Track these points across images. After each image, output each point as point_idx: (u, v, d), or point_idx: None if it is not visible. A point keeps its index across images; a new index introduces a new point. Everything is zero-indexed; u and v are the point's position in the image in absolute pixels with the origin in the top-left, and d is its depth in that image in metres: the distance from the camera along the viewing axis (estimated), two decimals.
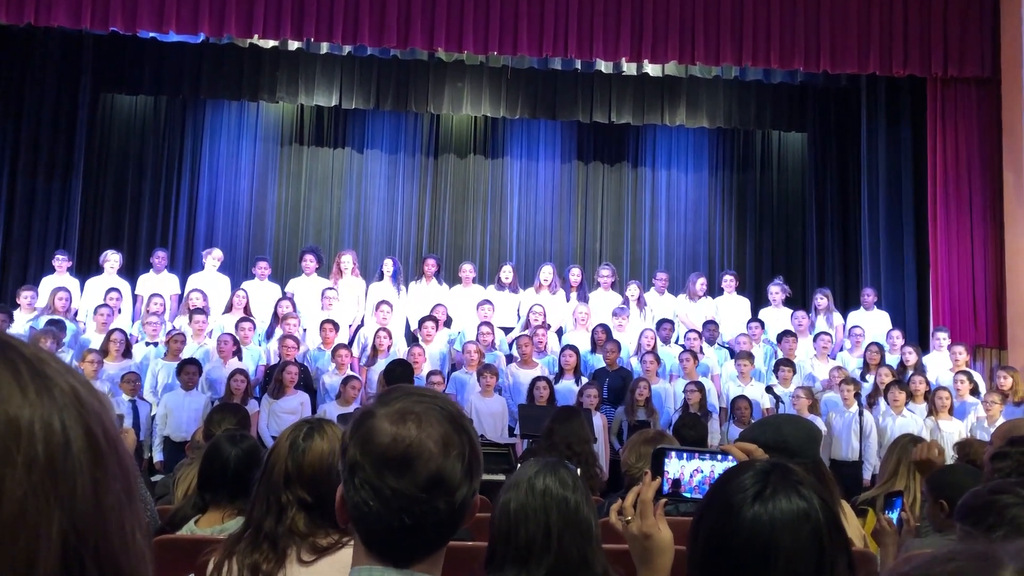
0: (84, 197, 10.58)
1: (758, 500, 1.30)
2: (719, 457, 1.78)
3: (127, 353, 8.16)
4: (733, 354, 8.99)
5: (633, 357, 8.87)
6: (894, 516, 3.14)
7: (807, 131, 11.72)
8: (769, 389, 8.07)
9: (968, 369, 8.80)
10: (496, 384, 8.16)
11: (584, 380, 8.32)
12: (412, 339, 9.14)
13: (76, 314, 8.88)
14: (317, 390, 8.31)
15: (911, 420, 7.91)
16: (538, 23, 9.48)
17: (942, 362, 9.05)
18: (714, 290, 10.31)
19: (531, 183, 12.02)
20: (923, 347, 9.35)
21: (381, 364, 8.06)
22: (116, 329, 8.29)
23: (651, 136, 12.12)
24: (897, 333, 9.34)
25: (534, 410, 7.47)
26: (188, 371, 7.82)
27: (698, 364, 8.71)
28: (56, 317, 8.31)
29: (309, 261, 9.59)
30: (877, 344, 8.98)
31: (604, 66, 10.15)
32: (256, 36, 9.40)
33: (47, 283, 8.94)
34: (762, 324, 9.48)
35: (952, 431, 7.73)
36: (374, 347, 8.58)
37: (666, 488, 1.72)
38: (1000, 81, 9.85)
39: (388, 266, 9.67)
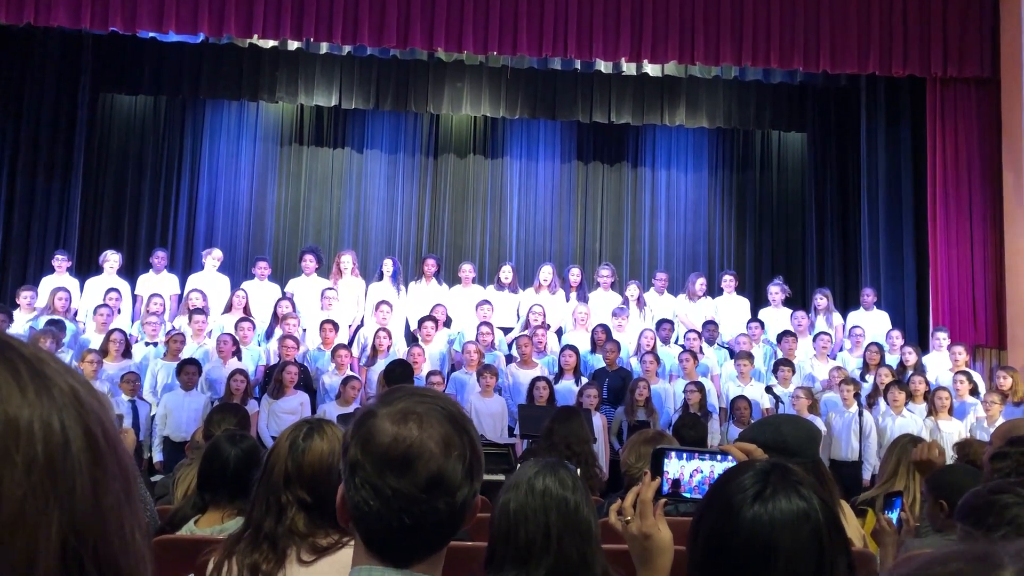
0: (84, 197, 10.58)
1: (758, 500, 1.30)
2: (719, 457, 1.78)
3: (127, 353, 8.16)
4: (733, 354, 9.00)
5: (633, 357, 8.87)
6: (894, 516, 3.14)
7: (807, 131, 11.73)
8: (769, 389, 8.07)
9: (968, 369, 8.80)
10: (496, 384, 8.16)
11: (584, 380, 8.31)
12: (412, 339, 9.14)
13: (76, 314, 8.87)
14: (317, 390, 8.31)
15: (911, 420, 7.91)
16: (538, 23, 9.48)
17: (942, 362, 9.05)
18: (714, 290, 10.31)
19: (531, 183, 12.02)
20: (923, 347, 9.35)
21: (381, 364, 8.06)
22: (116, 329, 8.29)
23: (651, 136, 12.12)
24: (897, 333, 9.34)
25: (534, 410, 7.46)
26: (188, 371, 7.81)
27: (698, 364, 8.71)
28: (56, 317, 8.30)
29: (309, 261, 9.59)
30: (877, 344, 8.98)
31: (604, 66, 10.15)
32: (256, 36, 9.40)
33: (47, 283, 8.94)
34: (762, 324, 9.48)
35: (952, 431, 7.73)
36: (374, 347, 8.58)
37: (666, 488, 1.72)
38: (1000, 81, 9.85)
39: (388, 266, 9.67)
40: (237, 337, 8.43)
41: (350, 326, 9.28)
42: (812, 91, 11.30)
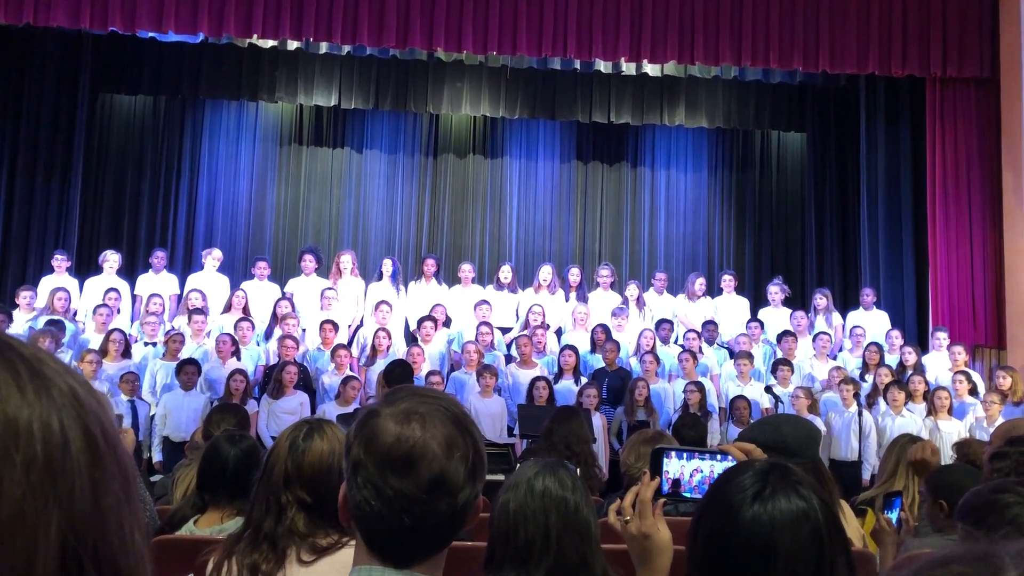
0: (83, 197, 10.57)
1: (757, 500, 1.30)
2: (718, 457, 1.78)
3: (126, 353, 8.16)
4: (732, 354, 9.00)
5: (632, 357, 8.87)
6: (893, 516, 3.14)
7: (806, 131, 11.73)
8: (768, 389, 8.07)
9: (967, 369, 8.81)
10: (495, 384, 8.16)
11: (583, 380, 8.31)
12: (411, 339, 9.14)
13: (75, 314, 8.87)
14: (316, 390, 8.31)
15: (910, 420, 7.92)
16: (537, 23, 9.48)
17: (941, 362, 9.06)
18: (713, 290, 10.31)
19: (530, 183, 12.02)
20: (922, 347, 9.36)
21: (380, 364, 8.06)
22: (115, 329, 8.29)
23: (650, 136, 12.12)
24: (896, 333, 9.34)
25: (533, 410, 7.46)
26: (187, 371, 7.81)
27: (697, 364, 8.71)
28: (55, 317, 8.30)
29: (308, 261, 9.58)
30: (876, 344, 8.98)
31: (603, 66, 10.15)
32: (255, 36, 9.40)
33: (46, 283, 8.94)
34: (761, 324, 9.49)
35: (951, 431, 7.74)
36: (373, 347, 8.58)
37: (666, 488, 1.72)
38: (999, 81, 9.85)
39: (387, 266, 9.66)
40: (236, 337, 8.43)
41: (350, 326, 9.28)
42: (812, 91, 11.31)
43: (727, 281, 10.08)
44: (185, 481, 3.92)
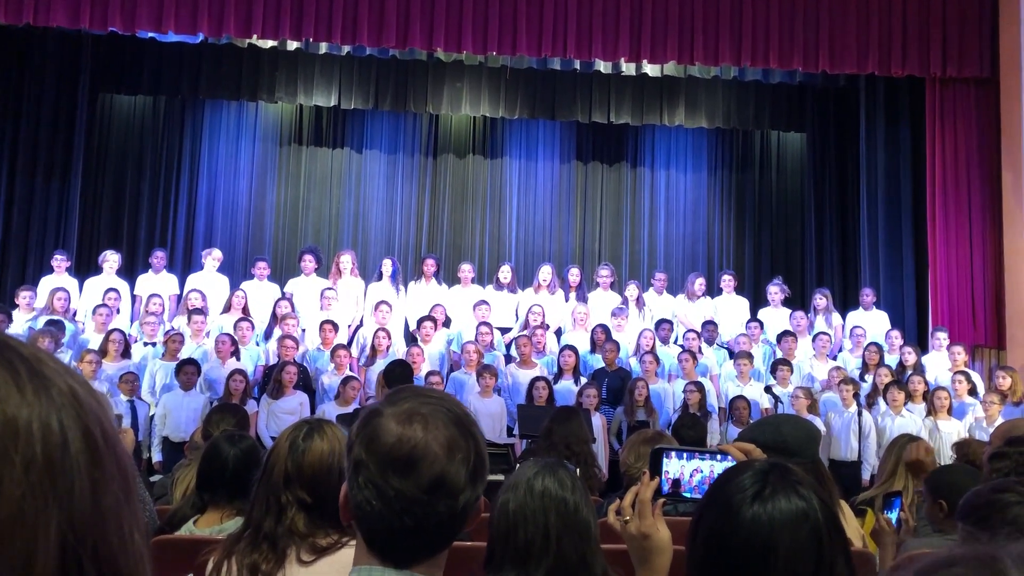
0: (83, 197, 10.57)
1: (757, 500, 1.30)
2: (718, 457, 1.77)
3: (126, 353, 8.16)
4: (732, 354, 9.00)
5: (632, 357, 8.87)
6: (893, 516, 3.14)
7: (806, 131, 11.73)
8: (768, 389, 8.07)
9: (966, 369, 8.81)
10: (495, 384, 8.16)
11: (583, 380, 8.31)
12: (411, 339, 9.14)
13: (75, 314, 8.87)
14: (316, 390, 8.31)
15: (910, 420, 7.92)
16: (537, 23, 9.48)
17: (941, 362, 9.06)
18: (713, 290, 10.31)
19: (530, 183, 12.02)
20: (922, 347, 9.36)
21: (380, 364, 8.05)
22: (115, 329, 8.29)
23: (650, 136, 12.12)
24: (896, 333, 9.34)
25: (533, 410, 7.46)
26: (187, 371, 7.81)
27: (697, 364, 8.71)
28: (55, 317, 8.30)
29: (308, 261, 9.58)
30: (876, 344, 8.98)
31: (603, 66, 10.15)
32: (255, 36, 9.39)
33: (46, 283, 8.93)
34: (761, 324, 9.49)
35: (951, 431, 7.74)
36: (373, 347, 8.57)
37: (666, 488, 1.72)
38: (999, 81, 9.85)
39: (387, 266, 9.66)
40: (236, 337, 8.43)
41: (349, 326, 9.28)
42: (811, 91, 11.31)
43: (727, 281, 10.08)
44: (184, 481, 3.92)
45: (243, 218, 11.57)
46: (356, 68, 10.86)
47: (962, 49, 9.79)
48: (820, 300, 9.76)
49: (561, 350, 8.70)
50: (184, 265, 10.77)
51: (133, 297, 9.30)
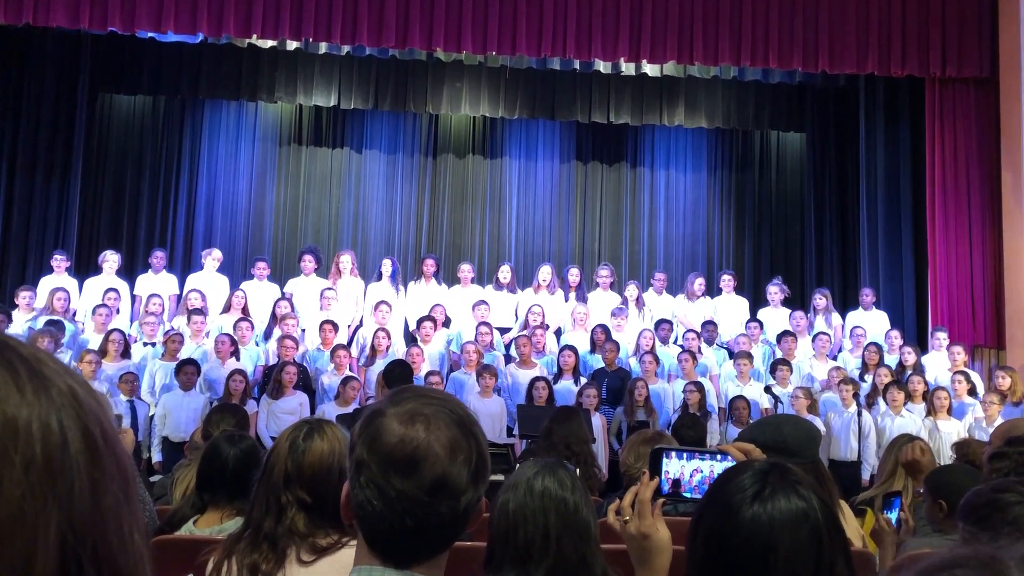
0: (83, 197, 10.57)
1: (757, 500, 1.30)
2: (718, 457, 1.77)
3: (126, 353, 8.16)
4: (732, 354, 9.00)
5: (632, 357, 8.87)
6: (893, 516, 3.14)
7: (805, 131, 11.73)
8: (768, 389, 8.07)
9: (966, 369, 8.81)
10: (495, 385, 8.16)
11: (583, 380, 8.31)
12: (411, 339, 9.14)
13: (75, 314, 8.87)
14: (316, 390, 8.31)
15: (910, 420, 7.92)
16: (537, 23, 9.48)
17: (941, 362, 9.06)
18: (712, 290, 10.31)
19: (530, 183, 12.02)
20: (922, 347, 9.36)
21: (380, 364, 8.05)
22: (115, 329, 8.29)
23: (650, 136, 12.12)
24: (896, 333, 9.35)
25: (533, 410, 7.46)
26: (187, 371, 7.81)
27: (696, 364, 8.71)
28: (55, 317, 8.30)
29: (308, 261, 9.58)
30: (876, 344, 8.98)
31: (603, 66, 10.15)
32: (255, 36, 9.39)
33: (45, 283, 8.93)
34: (761, 324, 9.49)
35: (950, 431, 7.74)
36: (373, 347, 8.57)
37: (666, 488, 1.72)
38: (998, 81, 9.85)
39: (387, 266, 9.66)
40: (236, 337, 8.43)
41: (349, 326, 9.28)
42: (811, 91, 11.31)
43: (726, 281, 10.08)
44: (184, 481, 3.92)
45: (243, 218, 11.56)
46: (356, 68, 10.86)
47: (962, 49, 9.79)
48: (820, 300, 9.77)
49: (561, 350, 8.70)
50: (184, 265, 10.77)
51: (133, 297, 9.30)
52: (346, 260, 9.60)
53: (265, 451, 2.34)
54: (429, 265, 9.79)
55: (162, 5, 9.08)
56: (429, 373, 8.15)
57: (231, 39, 9.58)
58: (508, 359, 8.84)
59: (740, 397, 8.16)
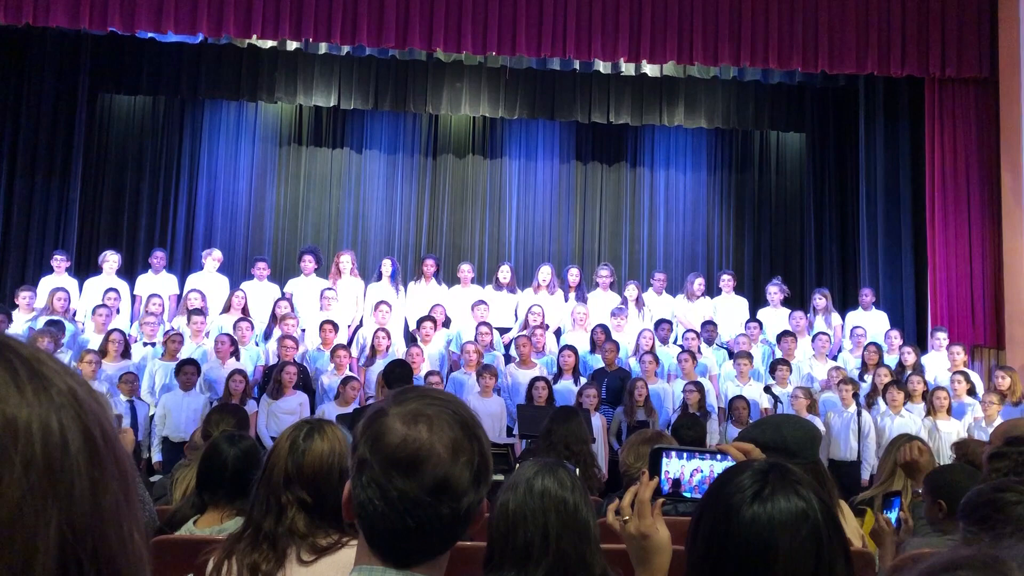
0: (82, 197, 10.57)
1: (757, 500, 1.30)
2: (718, 457, 1.77)
3: (126, 353, 8.16)
4: (731, 354, 9.00)
5: (632, 357, 8.87)
6: (892, 516, 3.14)
7: (805, 131, 11.73)
8: (767, 389, 8.07)
9: (965, 369, 8.82)
10: (495, 384, 8.16)
11: (583, 380, 8.31)
12: (411, 339, 9.14)
13: (75, 314, 8.87)
14: (316, 391, 8.31)
15: (909, 420, 7.92)
16: (536, 23, 9.48)
17: (941, 362, 9.07)
18: (712, 290, 10.31)
19: (529, 183, 12.02)
20: (921, 347, 9.36)
21: (380, 364, 8.05)
22: (115, 329, 8.29)
23: (649, 136, 12.12)
24: (895, 333, 9.35)
25: (533, 410, 7.46)
26: (187, 371, 7.81)
27: (696, 364, 8.71)
28: (55, 318, 8.30)
29: (308, 261, 9.58)
30: (875, 344, 8.99)
31: (602, 66, 10.15)
32: (255, 36, 9.39)
33: (45, 283, 8.93)
34: (760, 324, 9.49)
35: (950, 431, 7.74)
36: (373, 347, 8.58)
37: (666, 488, 1.72)
38: (998, 81, 9.86)
39: (387, 266, 9.67)
40: (235, 337, 8.43)
41: (349, 326, 9.28)
42: (811, 91, 11.31)
43: (726, 281, 10.08)
44: (184, 481, 3.92)
45: (243, 218, 11.56)
46: (356, 68, 10.86)
47: (961, 49, 9.79)
48: (819, 300, 9.77)
49: (561, 350, 8.70)
50: (184, 265, 10.77)
51: (133, 297, 9.30)
52: (346, 260, 9.60)
53: (265, 451, 2.34)
54: (429, 265, 9.79)
55: (162, 5, 9.08)
56: (429, 373, 8.15)
57: (231, 39, 9.59)
58: (508, 359, 8.84)
59: (740, 397, 8.16)
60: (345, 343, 8.75)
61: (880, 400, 8.22)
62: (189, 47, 10.31)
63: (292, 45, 10.11)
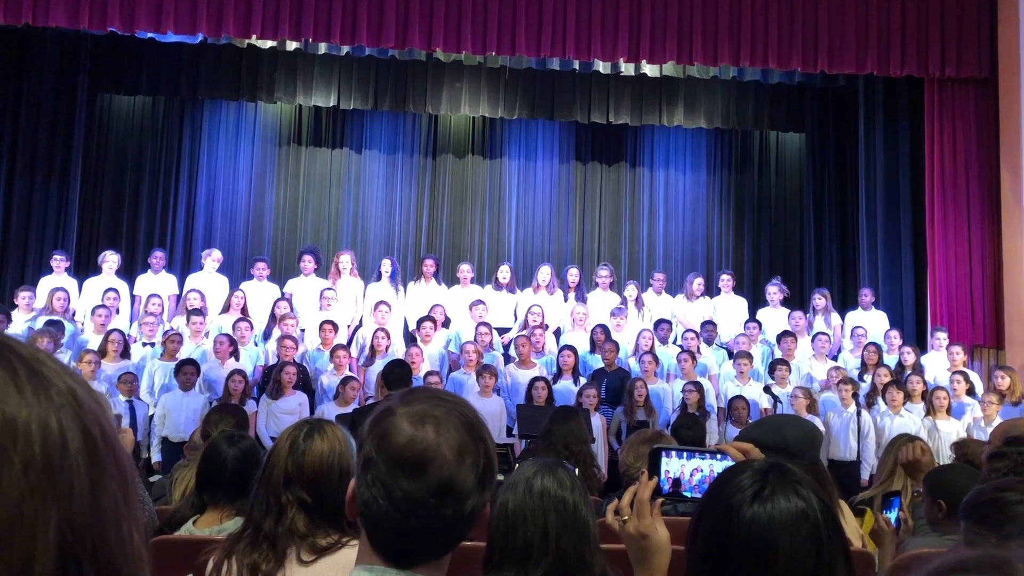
0: (82, 197, 10.57)
1: (757, 500, 1.30)
2: (718, 456, 1.77)
3: (125, 353, 8.15)
4: (731, 354, 9.00)
5: (631, 357, 8.87)
6: (892, 516, 3.14)
7: (805, 131, 11.73)
8: (767, 389, 8.07)
9: (965, 369, 8.82)
10: (495, 384, 8.16)
11: (582, 380, 8.31)
12: (410, 339, 9.14)
13: (74, 315, 8.87)
14: (315, 391, 8.31)
15: (909, 420, 7.92)
16: (536, 23, 9.48)
17: (940, 362, 9.07)
18: (712, 290, 10.31)
19: (529, 183, 12.02)
20: (921, 347, 9.36)
21: (379, 364, 8.04)
22: (114, 329, 8.29)
23: (649, 136, 12.12)
24: (895, 333, 9.35)
25: (532, 410, 7.46)
26: (186, 371, 7.81)
27: (696, 364, 8.71)
28: (54, 318, 8.30)
29: (307, 262, 9.58)
30: (875, 344, 8.99)
31: (602, 66, 10.15)
32: (254, 36, 9.39)
33: (45, 283, 8.93)
34: (760, 324, 9.49)
35: (950, 431, 7.74)
36: (372, 347, 8.58)
37: (666, 488, 1.72)
38: (997, 81, 9.86)
39: (386, 266, 9.67)
40: (235, 337, 8.43)
41: (349, 326, 9.28)
42: (810, 91, 11.31)
43: (725, 281, 10.08)
44: (184, 481, 3.92)
45: (242, 218, 11.56)
46: (355, 68, 10.86)
47: (961, 49, 9.79)
48: (819, 300, 9.77)
49: (560, 350, 8.70)
50: (183, 265, 10.77)
51: (132, 297, 9.30)
52: (346, 260, 9.60)
53: (265, 451, 2.34)
54: (429, 265, 9.79)
55: (162, 5, 9.08)
56: (428, 373, 8.15)
57: (231, 39, 9.58)
58: (507, 359, 8.84)
59: (739, 397, 8.16)
60: (345, 343, 8.75)
61: (880, 400, 8.22)
62: (189, 47, 10.31)
63: (292, 45, 10.11)
